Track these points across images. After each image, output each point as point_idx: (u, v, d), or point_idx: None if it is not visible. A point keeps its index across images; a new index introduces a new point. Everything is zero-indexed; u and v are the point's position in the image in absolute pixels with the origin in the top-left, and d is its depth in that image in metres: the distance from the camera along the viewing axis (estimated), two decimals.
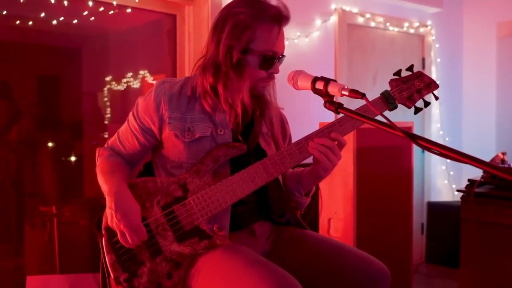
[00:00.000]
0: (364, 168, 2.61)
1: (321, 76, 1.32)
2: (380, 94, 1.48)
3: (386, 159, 2.79)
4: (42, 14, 2.65)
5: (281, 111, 1.68)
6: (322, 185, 2.68)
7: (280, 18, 1.44)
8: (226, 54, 1.43)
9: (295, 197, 1.60)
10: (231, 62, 1.43)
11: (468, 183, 2.40)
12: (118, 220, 1.36)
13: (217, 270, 1.34)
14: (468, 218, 2.35)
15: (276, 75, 1.53)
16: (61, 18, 2.69)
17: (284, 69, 1.51)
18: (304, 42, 3.25)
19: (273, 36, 1.44)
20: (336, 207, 2.64)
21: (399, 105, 1.50)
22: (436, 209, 4.02)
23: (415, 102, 1.50)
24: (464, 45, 4.39)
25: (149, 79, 3.06)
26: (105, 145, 1.62)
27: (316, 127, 2.51)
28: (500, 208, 2.25)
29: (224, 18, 1.46)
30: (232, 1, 1.49)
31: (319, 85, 1.30)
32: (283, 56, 1.50)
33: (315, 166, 1.48)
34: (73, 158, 2.89)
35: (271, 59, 1.45)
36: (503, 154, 2.65)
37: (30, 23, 2.69)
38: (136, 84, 3.07)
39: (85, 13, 2.72)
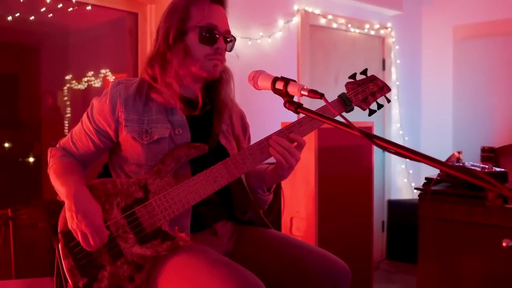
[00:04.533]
0: (325, 167, 2.65)
1: (281, 76, 1.33)
2: (338, 96, 1.52)
3: (347, 158, 2.84)
4: None
5: (239, 107, 1.69)
6: (285, 184, 2.71)
7: None
8: (164, 38, 1.48)
9: (258, 194, 1.60)
10: (168, 43, 1.48)
11: (425, 181, 2.47)
12: (79, 221, 1.34)
13: (180, 271, 1.33)
14: (425, 215, 2.42)
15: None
16: (17, 14, 2.61)
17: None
18: (267, 42, 3.27)
19: (206, 10, 1.49)
20: (298, 206, 2.67)
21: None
22: (396, 207, 4.11)
23: (370, 104, 1.56)
24: (422, 47, 4.52)
25: (111, 78, 3.01)
26: (57, 145, 1.59)
27: (278, 127, 2.53)
28: (456, 205, 2.32)
29: (164, 12, 1.54)
30: None
31: (279, 85, 1.31)
32: (230, 37, 1.54)
33: (276, 166, 1.50)
34: (31, 159, 2.81)
35: (211, 32, 1.48)
36: (459, 153, 2.73)
37: None
38: (97, 83, 3.01)
39: (43, 9, 2.65)
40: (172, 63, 1.47)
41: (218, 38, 1.49)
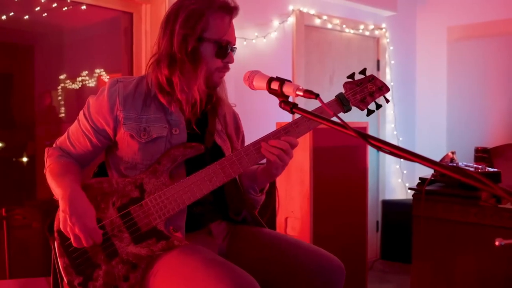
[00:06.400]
0: (320, 167, 2.66)
1: (277, 77, 1.34)
2: (335, 96, 1.51)
3: (342, 158, 2.84)
4: None
5: (233, 108, 1.69)
6: (279, 184, 2.71)
7: (229, 8, 1.48)
8: (181, 43, 1.44)
9: (250, 195, 1.61)
10: (186, 50, 1.44)
11: (419, 181, 2.49)
12: (73, 224, 1.33)
13: (175, 271, 1.33)
14: (419, 215, 2.43)
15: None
16: (11, 14, 2.60)
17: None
18: (262, 42, 3.27)
19: (225, 24, 1.48)
20: (293, 206, 2.67)
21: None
22: (391, 207, 4.12)
23: (368, 104, 1.55)
24: (417, 47, 4.54)
25: (105, 77, 3.00)
26: (54, 145, 1.58)
27: (273, 127, 2.55)
28: (449, 205, 2.34)
29: (175, 11, 1.47)
30: None
31: (274, 86, 1.31)
32: (235, 47, 1.54)
33: (268, 165, 1.50)
34: (25, 159, 2.80)
35: (226, 48, 1.48)
36: (453, 153, 2.74)
37: None
38: (91, 83, 3.00)
39: (37, 9, 2.64)
40: (190, 70, 1.45)
41: (230, 53, 1.51)
